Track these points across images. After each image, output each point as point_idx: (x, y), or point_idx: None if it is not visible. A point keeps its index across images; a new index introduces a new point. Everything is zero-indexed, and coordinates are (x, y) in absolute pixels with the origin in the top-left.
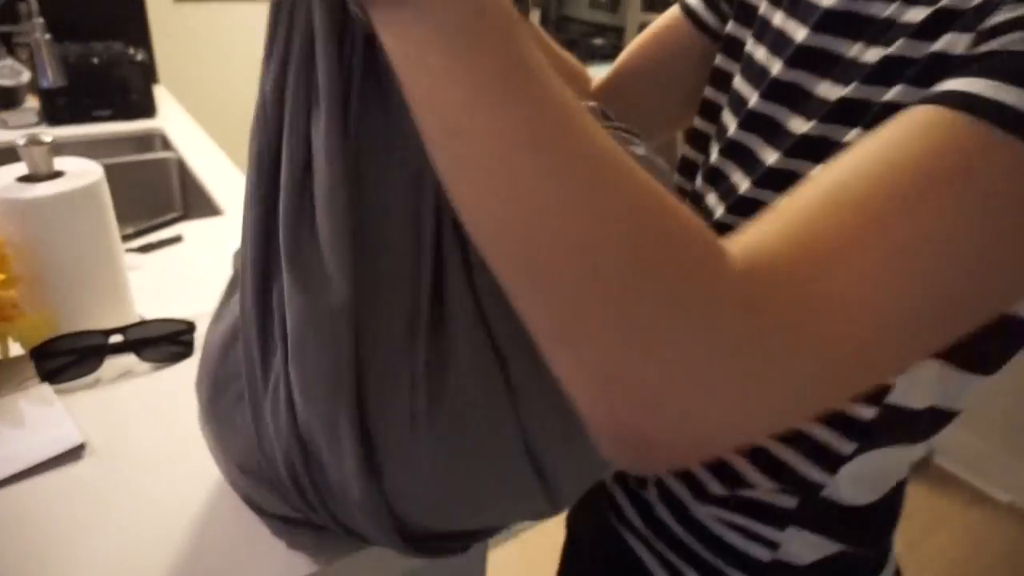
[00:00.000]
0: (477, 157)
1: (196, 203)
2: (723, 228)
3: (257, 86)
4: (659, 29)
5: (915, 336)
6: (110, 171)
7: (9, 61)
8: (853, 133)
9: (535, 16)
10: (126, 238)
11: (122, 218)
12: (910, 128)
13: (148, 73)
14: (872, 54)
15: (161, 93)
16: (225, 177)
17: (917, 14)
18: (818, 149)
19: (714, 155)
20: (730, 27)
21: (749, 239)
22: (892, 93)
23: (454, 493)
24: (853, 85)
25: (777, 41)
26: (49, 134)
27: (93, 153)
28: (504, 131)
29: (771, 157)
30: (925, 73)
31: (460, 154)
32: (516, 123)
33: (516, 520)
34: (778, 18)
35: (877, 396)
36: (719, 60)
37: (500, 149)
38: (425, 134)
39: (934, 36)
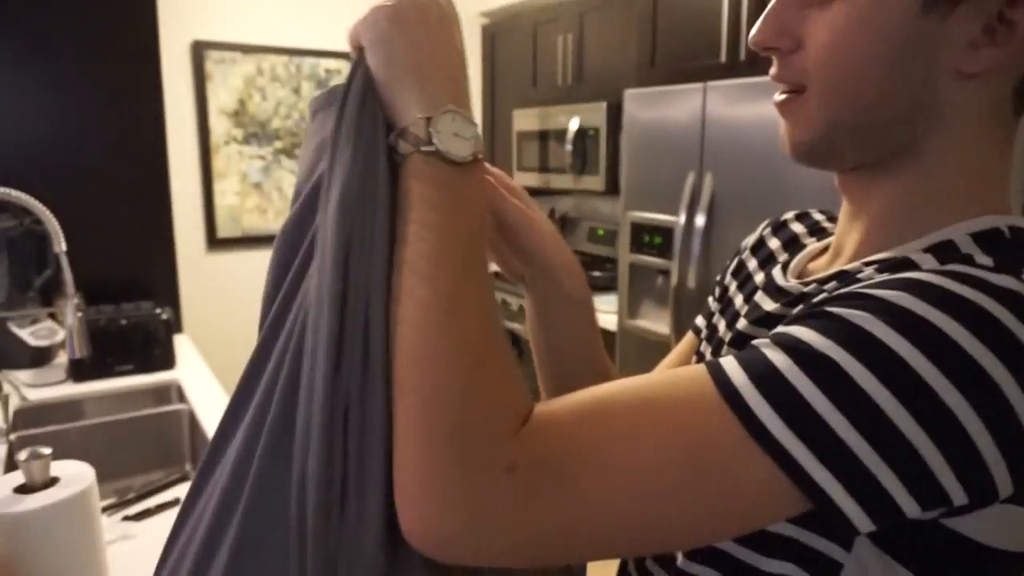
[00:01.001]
0: (400, 285)
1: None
2: None
3: None
4: (681, 350)
5: (632, 524)
6: (124, 425)
7: (48, 323)
8: None
9: None
10: (125, 503)
11: (131, 471)
12: (686, 374)
13: (171, 328)
14: None
15: (182, 342)
16: None
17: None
18: None
19: None
20: (712, 306)
21: (547, 409)
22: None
23: None
24: None
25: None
26: (47, 448)
27: (111, 406)
28: (420, 269)
29: None
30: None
31: (395, 280)
32: (429, 269)
33: None
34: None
35: None
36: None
37: (411, 284)
38: (400, 247)
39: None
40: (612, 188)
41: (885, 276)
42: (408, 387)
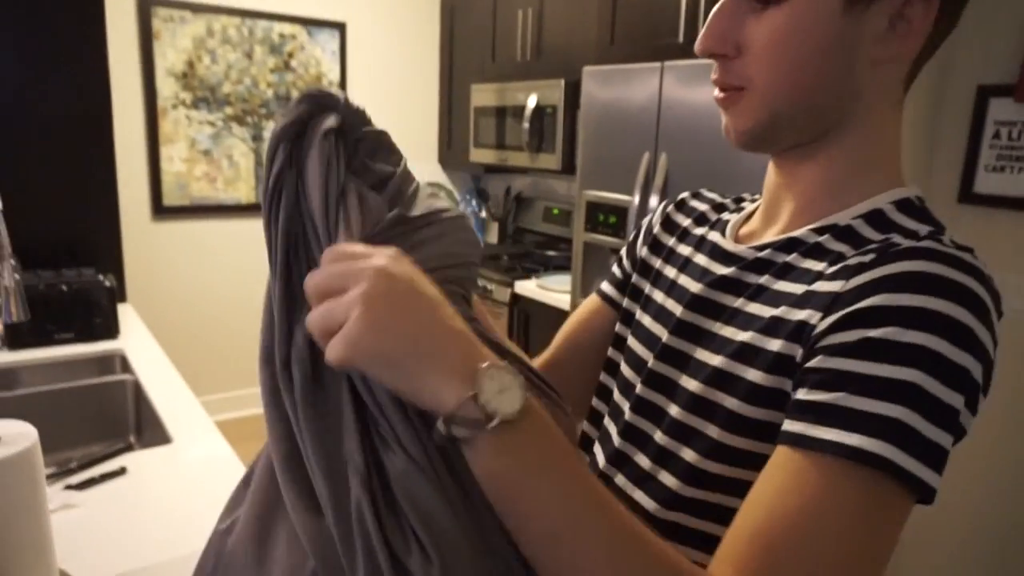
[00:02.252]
0: (554, 556)
1: (149, 426)
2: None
3: (220, 301)
4: (584, 316)
5: None
6: (65, 394)
7: None
8: (752, 372)
9: (494, 229)
10: (67, 472)
11: (73, 443)
12: (798, 475)
13: (114, 296)
14: (757, 309)
15: (126, 312)
16: (178, 402)
17: (798, 288)
18: (726, 381)
19: (627, 413)
20: (634, 279)
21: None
22: (778, 345)
23: None
24: (750, 333)
25: (673, 292)
26: None
27: (51, 375)
28: (569, 536)
29: (673, 409)
30: (796, 331)
31: (543, 555)
32: (577, 530)
33: None
34: (672, 273)
35: None
36: (618, 327)
37: (569, 550)
38: (516, 530)
39: (800, 306)
40: (569, 167)
41: (882, 272)
42: None
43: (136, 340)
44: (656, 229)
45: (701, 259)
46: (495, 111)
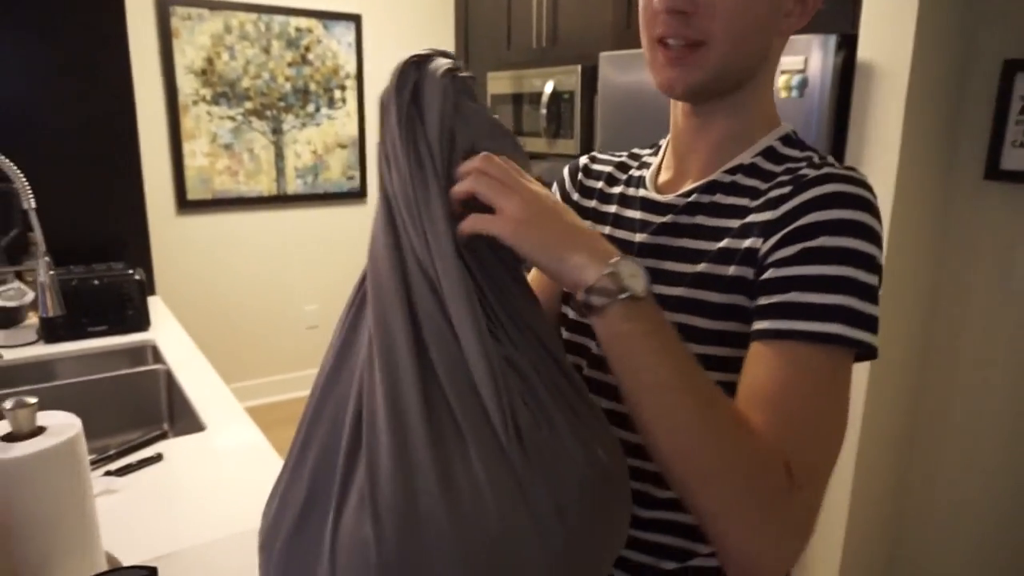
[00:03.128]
0: (659, 402)
1: (182, 414)
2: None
3: (244, 292)
4: (536, 286)
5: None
6: (100, 385)
7: (16, 284)
8: (713, 295)
9: None
10: (107, 459)
11: (109, 431)
12: (783, 359)
13: (144, 289)
14: (703, 245)
15: (156, 305)
16: (210, 390)
17: (733, 222)
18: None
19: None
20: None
21: (781, 446)
22: (732, 270)
23: None
24: (704, 264)
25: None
26: (33, 398)
27: (86, 367)
28: (672, 385)
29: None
30: (745, 258)
31: (648, 400)
32: (679, 382)
33: None
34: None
35: None
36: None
37: (671, 397)
38: (630, 383)
39: (743, 237)
40: (587, 152)
41: (806, 196)
42: (713, 471)
43: (166, 331)
44: (575, 196)
45: (634, 213)
46: (512, 98)
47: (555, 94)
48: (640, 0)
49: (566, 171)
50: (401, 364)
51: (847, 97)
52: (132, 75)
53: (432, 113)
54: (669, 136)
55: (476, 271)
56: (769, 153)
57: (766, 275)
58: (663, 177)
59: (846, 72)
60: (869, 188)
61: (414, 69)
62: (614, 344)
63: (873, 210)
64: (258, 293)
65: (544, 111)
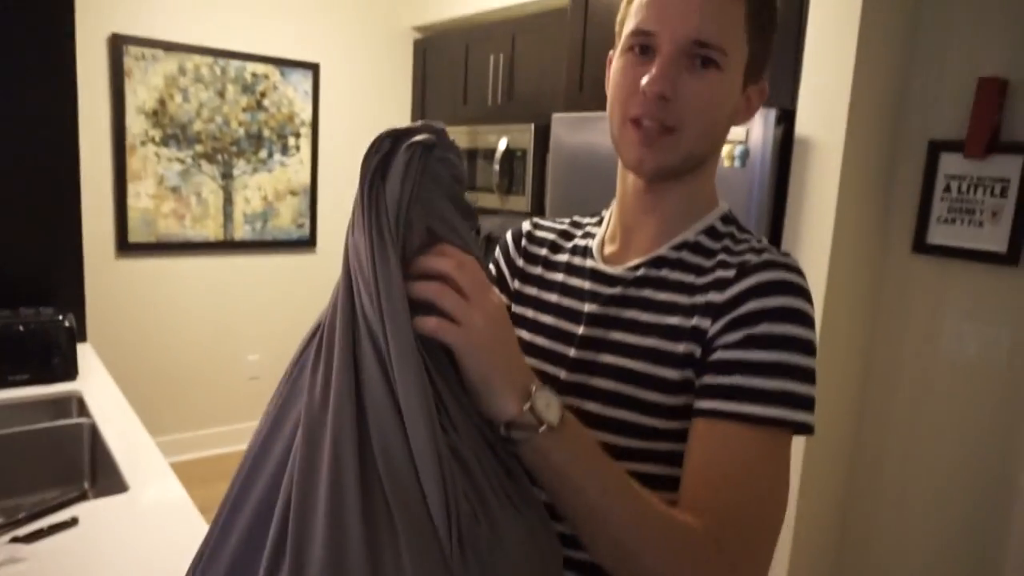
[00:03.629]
0: (591, 520)
1: (104, 472)
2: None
3: (182, 339)
4: None
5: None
6: (17, 439)
7: None
8: (667, 371)
9: None
10: (15, 523)
11: (23, 490)
12: (726, 439)
13: (74, 336)
14: (652, 319)
15: (86, 352)
16: (135, 446)
17: (681, 298)
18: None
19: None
20: (514, 309)
21: (705, 523)
22: (682, 347)
23: None
24: (653, 339)
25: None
26: None
27: (4, 419)
28: (599, 505)
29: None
30: (693, 335)
31: (585, 522)
32: (596, 507)
33: None
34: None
35: None
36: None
37: (588, 522)
38: (560, 506)
39: (691, 315)
40: (538, 209)
41: (750, 283)
42: (647, 569)
43: (95, 381)
44: (520, 263)
45: (583, 283)
46: (466, 153)
47: (508, 151)
48: (613, 77)
49: (509, 237)
50: (345, 458)
51: (787, 168)
52: (78, 111)
53: (392, 186)
54: (614, 206)
55: (422, 352)
56: (711, 231)
57: (713, 356)
58: (609, 248)
59: (785, 145)
60: (802, 274)
61: (389, 140)
62: (540, 472)
63: (807, 295)
64: (199, 341)
65: (497, 167)
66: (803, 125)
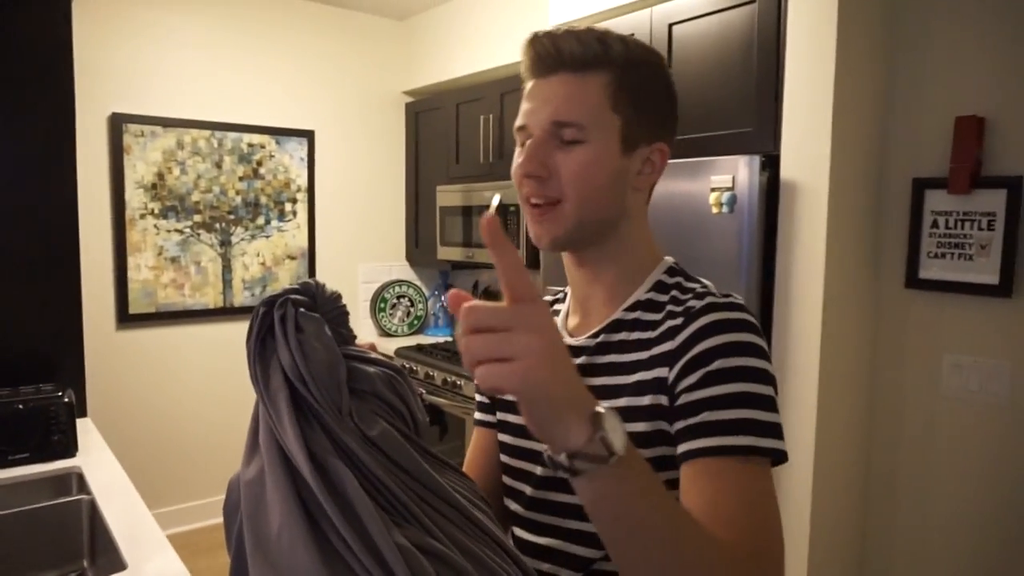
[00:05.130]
0: (641, 554)
1: (104, 550)
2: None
3: (183, 408)
4: (476, 447)
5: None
6: (16, 519)
7: None
8: (638, 425)
9: None
10: None
11: (23, 570)
12: (713, 475)
13: (73, 412)
14: (619, 380)
15: (86, 427)
16: (135, 522)
17: (642, 355)
18: None
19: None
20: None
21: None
22: (648, 399)
23: None
24: (624, 399)
25: None
26: None
27: (2, 498)
28: (658, 541)
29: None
30: (655, 387)
31: (630, 552)
32: (663, 538)
33: None
34: None
35: None
36: (500, 436)
37: (655, 553)
38: (607, 536)
39: (650, 368)
40: (533, 263)
41: (697, 325)
42: None
43: (94, 456)
44: None
45: None
46: (461, 210)
47: (502, 206)
48: (512, 164)
49: None
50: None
51: (774, 212)
52: (77, 188)
53: (281, 351)
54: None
55: (370, 464)
56: (659, 286)
57: (678, 402)
58: (572, 322)
59: (772, 189)
60: (745, 310)
61: (264, 306)
62: (603, 505)
63: (753, 328)
64: (199, 408)
65: None
66: (787, 169)
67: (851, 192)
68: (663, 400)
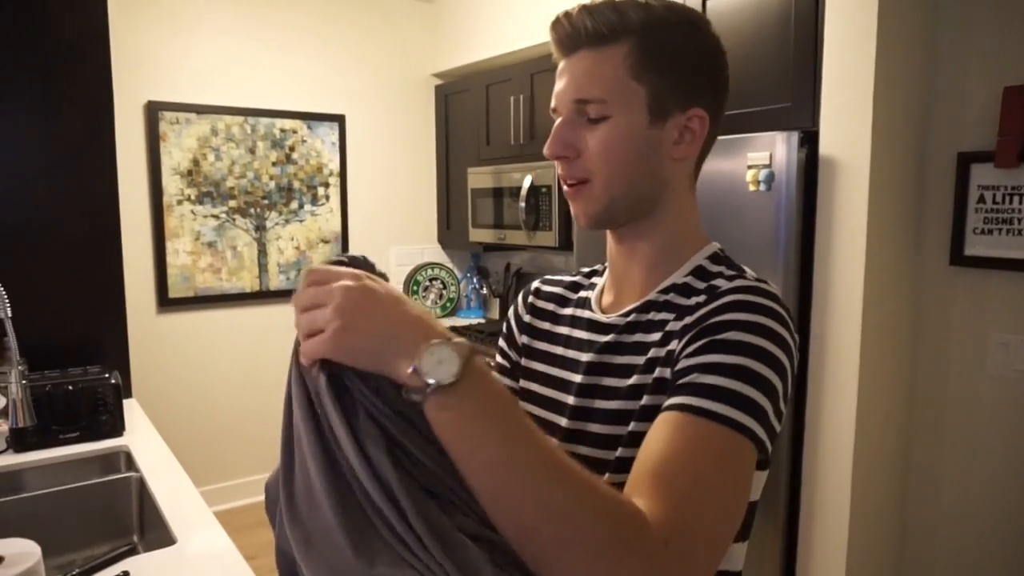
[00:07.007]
0: (501, 479)
1: (152, 525)
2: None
3: (223, 389)
4: None
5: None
6: (68, 496)
7: None
8: (644, 398)
9: (495, 305)
10: None
11: (76, 544)
12: (676, 428)
13: (120, 393)
14: (637, 360)
15: (132, 407)
16: (182, 499)
17: (640, 360)
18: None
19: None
20: (523, 362)
21: (649, 510)
22: (656, 373)
23: None
24: (635, 376)
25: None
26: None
27: (56, 476)
28: (516, 463)
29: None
30: (666, 361)
31: (491, 480)
32: (522, 459)
33: None
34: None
35: None
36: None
37: (513, 475)
38: (465, 469)
39: (665, 344)
40: (566, 243)
41: (718, 302)
42: (564, 539)
43: (141, 435)
44: (527, 318)
45: (582, 334)
46: (492, 192)
47: (533, 188)
48: None
49: (520, 296)
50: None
51: (813, 189)
52: (117, 177)
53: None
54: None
55: (410, 447)
56: (699, 272)
57: (679, 366)
58: (607, 299)
59: (810, 166)
60: (775, 299)
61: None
62: (438, 431)
63: (776, 316)
64: (239, 390)
65: (523, 204)
66: (827, 145)
67: (893, 168)
68: (667, 373)
